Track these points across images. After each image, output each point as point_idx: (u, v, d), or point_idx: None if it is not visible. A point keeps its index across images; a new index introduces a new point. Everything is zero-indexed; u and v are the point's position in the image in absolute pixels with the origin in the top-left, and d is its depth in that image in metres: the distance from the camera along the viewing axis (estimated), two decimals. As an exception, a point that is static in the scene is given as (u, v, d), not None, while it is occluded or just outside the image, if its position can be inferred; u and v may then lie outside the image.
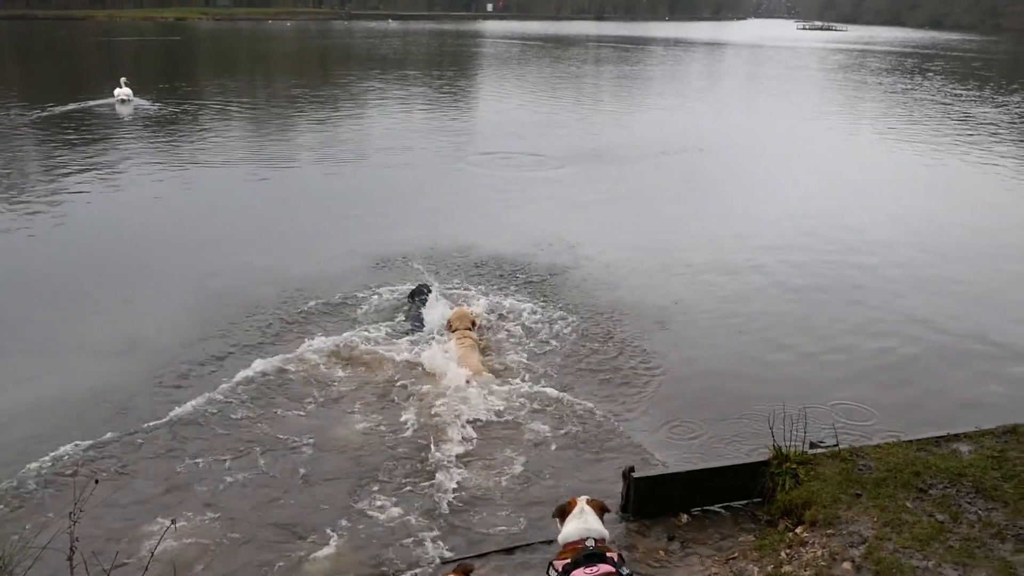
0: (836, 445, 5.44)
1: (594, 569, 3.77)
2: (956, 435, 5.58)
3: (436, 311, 8.13)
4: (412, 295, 8.59)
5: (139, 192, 13.64)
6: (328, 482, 5.51)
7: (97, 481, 4.54)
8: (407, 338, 7.77)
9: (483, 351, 7.52)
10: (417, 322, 8.07)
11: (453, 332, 7.62)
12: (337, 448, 5.91)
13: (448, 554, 4.78)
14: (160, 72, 37.67)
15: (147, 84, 28.00)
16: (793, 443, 5.27)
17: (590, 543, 3.90)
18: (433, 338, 7.75)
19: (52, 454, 5.62)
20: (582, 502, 4.13)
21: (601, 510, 4.16)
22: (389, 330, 7.94)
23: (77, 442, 5.76)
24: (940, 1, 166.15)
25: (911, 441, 5.47)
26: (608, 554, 3.89)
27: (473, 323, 7.79)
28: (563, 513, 4.15)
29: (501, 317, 8.29)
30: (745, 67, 51.72)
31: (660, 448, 6.02)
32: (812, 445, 5.44)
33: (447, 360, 7.13)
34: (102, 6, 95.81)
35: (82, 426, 6.03)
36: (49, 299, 8.77)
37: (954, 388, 7.20)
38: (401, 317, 8.28)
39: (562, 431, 6.16)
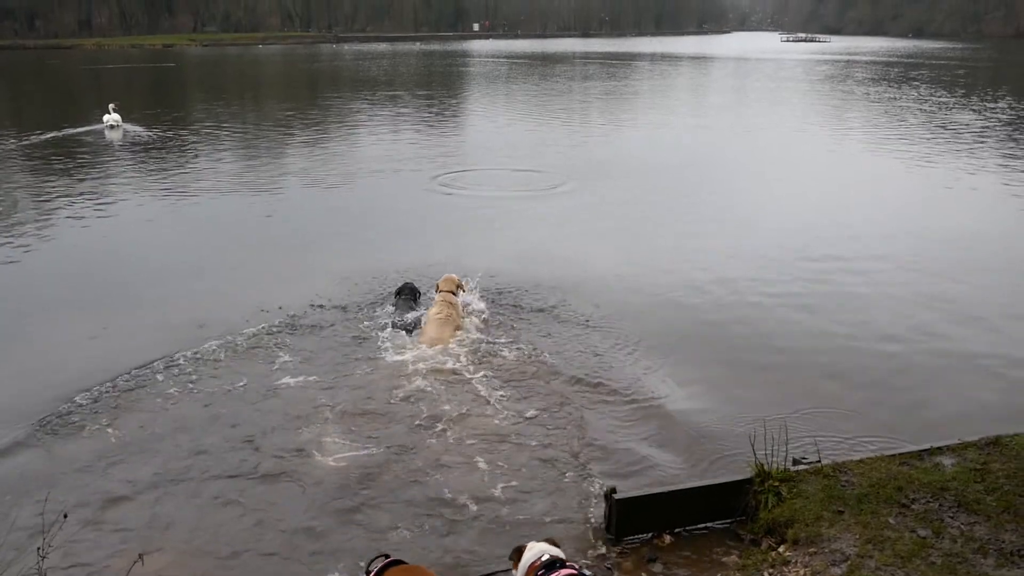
0: (819, 461, 5.42)
1: (556, 574, 3.90)
2: (939, 448, 5.56)
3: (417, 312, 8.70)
4: (398, 292, 9.06)
5: (126, 217, 13.66)
6: (305, 510, 5.47)
7: (66, 516, 4.48)
8: (389, 331, 8.23)
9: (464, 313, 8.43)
10: (400, 318, 8.52)
11: (439, 293, 8.40)
12: (311, 469, 5.87)
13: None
14: (149, 98, 37.86)
15: (136, 110, 28.18)
16: (775, 460, 5.25)
17: (546, 558, 4.01)
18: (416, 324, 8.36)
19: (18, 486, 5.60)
20: (534, 543, 4.18)
21: (554, 546, 4.16)
22: (370, 323, 8.49)
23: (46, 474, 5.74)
24: (921, 10, 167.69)
25: (894, 455, 5.45)
26: (568, 563, 4.00)
27: (459, 286, 8.53)
28: (518, 553, 4.19)
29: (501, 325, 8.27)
30: (731, 80, 52.04)
31: (643, 465, 5.98)
32: (795, 462, 5.42)
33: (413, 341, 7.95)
34: (90, 35, 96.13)
35: (49, 459, 5.99)
36: (27, 322, 8.73)
37: (936, 399, 7.15)
38: (388, 310, 8.82)
39: (544, 446, 6.14)
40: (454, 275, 8.83)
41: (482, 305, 8.97)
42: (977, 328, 8.78)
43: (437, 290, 8.60)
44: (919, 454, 5.49)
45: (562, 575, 3.90)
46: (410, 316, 8.56)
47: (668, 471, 5.89)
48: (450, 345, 7.84)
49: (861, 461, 5.39)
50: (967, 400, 7.11)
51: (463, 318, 8.44)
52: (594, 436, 6.35)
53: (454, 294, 8.51)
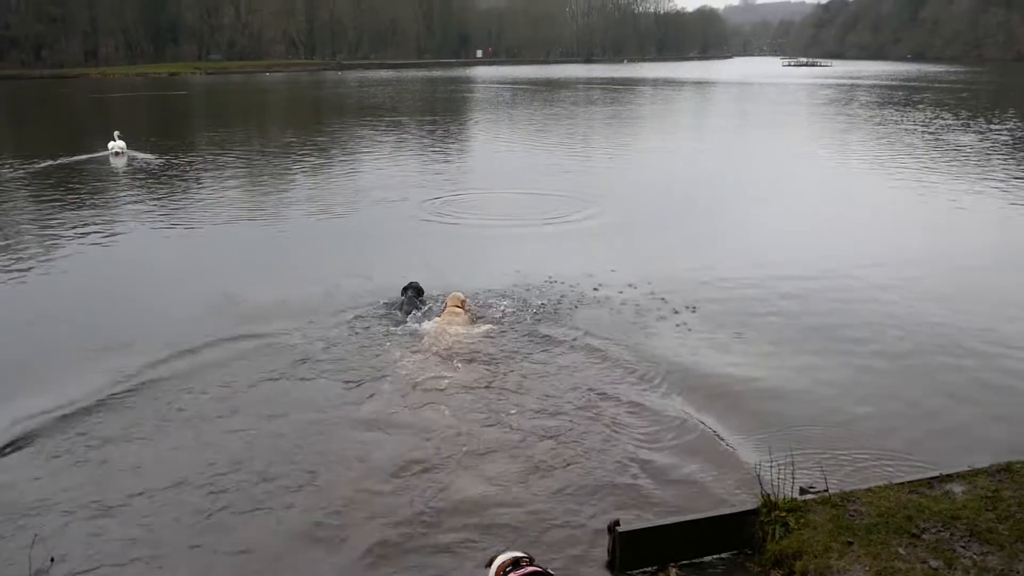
0: (826, 490, 5.32)
1: (521, 571, 4.27)
2: (949, 475, 5.46)
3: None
4: (404, 290, 9.95)
5: (130, 243, 13.69)
6: (307, 509, 5.38)
7: (52, 559, 4.40)
8: (400, 327, 9.14)
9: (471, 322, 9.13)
10: (408, 314, 9.46)
11: (445, 309, 9.29)
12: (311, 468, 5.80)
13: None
14: (154, 125, 38.12)
15: (141, 137, 28.38)
16: (782, 489, 5.16)
17: (511, 556, 4.44)
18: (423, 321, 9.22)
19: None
20: (508, 555, 4.49)
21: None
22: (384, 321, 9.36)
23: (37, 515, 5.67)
24: (922, 34, 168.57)
25: (903, 483, 5.36)
26: (535, 563, 4.38)
27: (463, 303, 9.36)
28: (491, 560, 4.52)
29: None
30: (735, 104, 52.23)
31: (646, 495, 5.88)
32: (802, 491, 5.32)
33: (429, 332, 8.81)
34: (96, 64, 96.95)
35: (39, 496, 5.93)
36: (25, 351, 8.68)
37: (946, 424, 7.03)
38: (395, 309, 9.68)
39: (546, 471, 6.05)
40: (459, 293, 9.60)
41: (486, 327, 9.14)
42: (988, 352, 8.66)
43: (444, 307, 9.36)
44: (929, 482, 5.39)
45: (527, 571, 4.27)
46: (421, 321, 9.32)
47: (673, 502, 5.78)
48: (461, 335, 8.68)
49: (870, 490, 5.29)
50: (978, 426, 7.00)
51: (468, 323, 9.12)
52: (597, 465, 6.26)
53: (459, 308, 9.26)
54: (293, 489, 5.97)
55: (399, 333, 9.06)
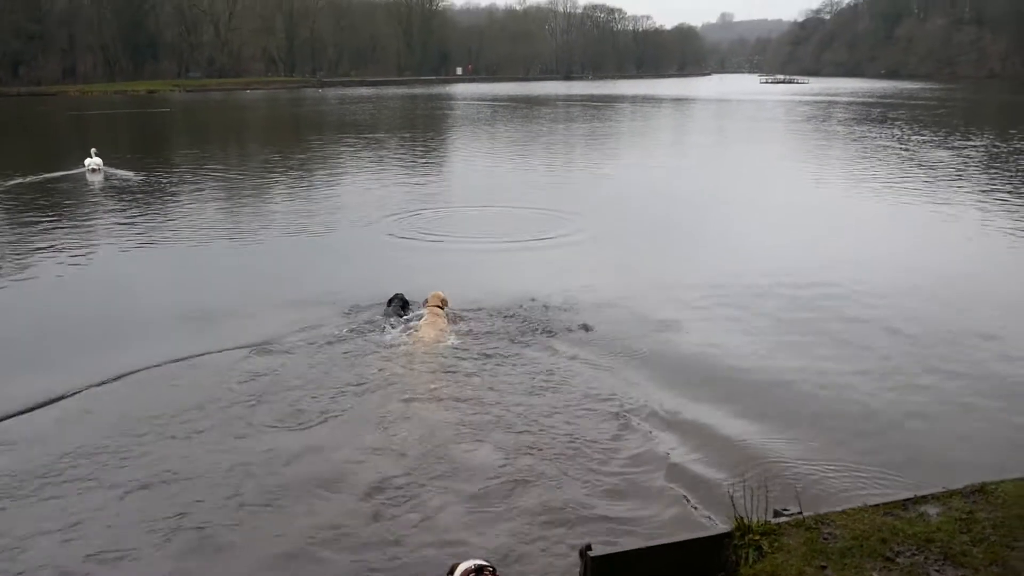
0: (800, 512, 5.26)
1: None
2: (924, 496, 5.42)
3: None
4: (389, 302, 10.26)
5: (102, 262, 13.52)
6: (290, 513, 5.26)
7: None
8: (383, 335, 9.39)
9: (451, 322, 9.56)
10: (391, 325, 9.68)
11: (426, 307, 9.70)
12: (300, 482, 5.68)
13: None
14: (134, 143, 37.98)
15: (121, 154, 28.27)
16: (756, 512, 5.09)
17: (474, 564, 4.44)
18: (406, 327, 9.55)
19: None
20: (470, 563, 4.49)
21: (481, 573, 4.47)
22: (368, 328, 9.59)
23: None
24: (897, 52, 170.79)
25: (877, 505, 5.30)
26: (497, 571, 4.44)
27: (444, 302, 9.77)
28: (452, 570, 4.51)
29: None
30: (715, 120, 52.61)
31: (619, 517, 5.80)
32: (776, 513, 5.26)
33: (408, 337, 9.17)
34: (74, 81, 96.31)
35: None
36: None
37: (920, 444, 7.01)
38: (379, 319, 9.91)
39: (517, 486, 5.97)
40: (440, 291, 9.99)
41: (456, 338, 9.34)
42: (966, 370, 8.65)
43: (425, 304, 9.80)
44: (903, 503, 5.34)
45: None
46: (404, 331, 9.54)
47: (646, 524, 5.71)
48: (439, 346, 8.95)
49: (844, 512, 5.23)
50: (952, 445, 6.98)
51: (448, 329, 9.45)
52: (569, 487, 6.17)
53: (440, 307, 9.67)
54: (258, 513, 5.86)
55: (380, 344, 9.16)
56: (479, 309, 10.38)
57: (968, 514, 5.15)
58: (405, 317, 9.93)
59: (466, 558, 4.99)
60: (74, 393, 7.89)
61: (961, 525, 5.03)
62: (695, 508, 5.90)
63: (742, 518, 5.05)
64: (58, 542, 5.54)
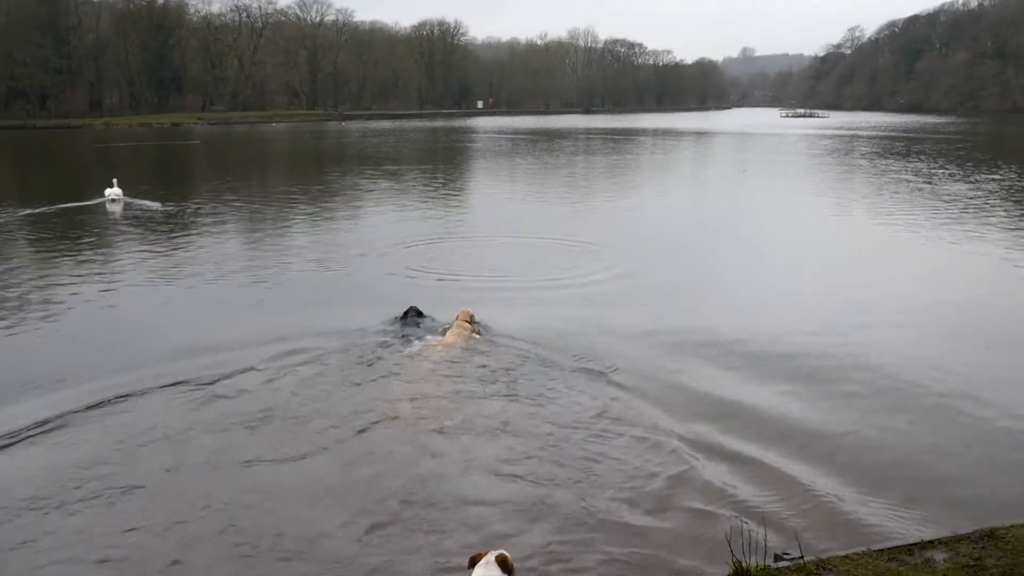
0: (801, 557, 5.10)
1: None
2: (931, 541, 5.25)
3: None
4: (405, 314, 11.16)
5: (117, 293, 13.54)
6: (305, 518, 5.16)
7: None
8: (404, 343, 10.31)
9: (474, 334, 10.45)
10: (409, 334, 10.61)
11: (456, 321, 10.58)
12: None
13: None
14: (155, 174, 38.49)
15: (140, 186, 28.65)
16: (755, 555, 4.93)
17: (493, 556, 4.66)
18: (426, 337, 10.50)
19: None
20: (491, 555, 4.70)
21: (505, 564, 4.67)
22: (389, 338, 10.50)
23: None
24: (918, 86, 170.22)
25: (882, 550, 5.14)
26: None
27: (471, 318, 10.67)
28: (473, 562, 4.73)
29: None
30: (736, 154, 52.42)
31: (608, 558, 5.63)
32: (776, 558, 5.10)
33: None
34: (100, 115, 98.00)
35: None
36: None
37: (929, 486, 6.74)
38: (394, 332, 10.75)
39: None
40: (469, 309, 10.95)
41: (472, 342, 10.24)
42: (975, 410, 8.42)
43: (456, 319, 10.68)
44: (909, 548, 5.17)
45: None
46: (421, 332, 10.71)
47: (640, 566, 5.53)
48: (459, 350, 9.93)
49: (847, 557, 5.07)
50: (962, 487, 6.73)
51: (473, 337, 10.42)
52: (563, 523, 6.03)
53: (469, 323, 10.60)
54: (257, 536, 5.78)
55: (403, 351, 10.07)
56: (500, 335, 10.69)
57: (976, 561, 4.98)
58: (424, 328, 10.84)
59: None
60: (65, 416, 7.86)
61: (969, 572, 4.86)
62: (692, 550, 5.70)
63: (740, 562, 4.90)
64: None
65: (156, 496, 6.53)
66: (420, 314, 11.23)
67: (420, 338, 10.48)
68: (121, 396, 8.51)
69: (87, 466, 7.01)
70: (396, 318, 11.19)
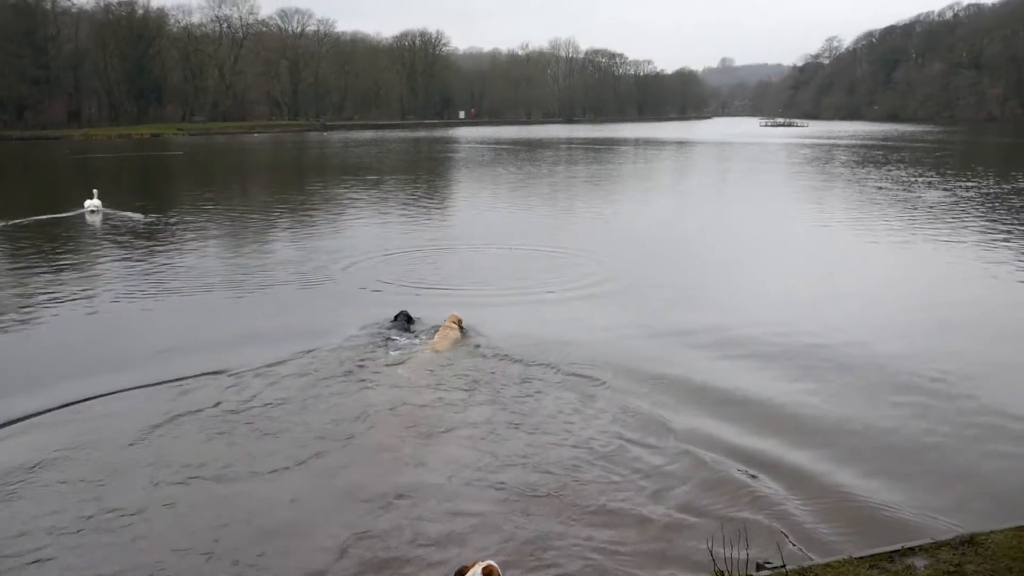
0: (783, 566, 5.09)
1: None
2: (911, 548, 5.26)
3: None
4: (396, 318, 11.45)
5: (95, 301, 13.40)
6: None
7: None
8: (392, 346, 10.53)
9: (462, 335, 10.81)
10: (398, 337, 10.86)
11: (445, 323, 10.89)
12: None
13: None
14: (133, 185, 38.26)
15: (120, 196, 28.45)
16: (736, 565, 4.93)
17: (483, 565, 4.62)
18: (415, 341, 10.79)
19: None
20: (478, 567, 4.65)
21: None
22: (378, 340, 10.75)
23: None
24: (896, 96, 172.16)
25: (863, 557, 5.15)
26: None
27: (459, 321, 11.00)
28: (460, 574, 4.69)
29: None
30: (718, 163, 52.75)
31: (591, 567, 5.61)
32: (758, 567, 5.10)
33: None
34: (78, 125, 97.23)
35: None
36: None
37: (909, 492, 6.74)
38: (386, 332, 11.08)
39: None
40: (456, 313, 11.23)
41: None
42: (956, 415, 8.46)
43: (445, 322, 10.94)
44: (890, 555, 5.18)
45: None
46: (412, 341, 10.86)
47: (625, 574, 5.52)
48: (447, 353, 10.20)
49: (828, 565, 5.08)
50: (942, 494, 6.75)
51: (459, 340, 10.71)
52: (542, 535, 6.00)
53: (457, 325, 10.90)
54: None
55: (393, 351, 10.38)
56: (485, 341, 10.79)
57: (956, 567, 5.00)
58: (414, 332, 11.09)
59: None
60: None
61: (949, 578, 4.87)
62: (673, 560, 5.69)
63: (722, 572, 4.89)
64: None
65: (129, 507, 6.43)
66: (410, 319, 11.48)
67: (410, 341, 10.73)
68: (85, 399, 8.60)
69: (50, 471, 6.91)
70: (387, 322, 11.45)
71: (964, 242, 18.98)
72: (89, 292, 14.14)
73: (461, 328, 10.98)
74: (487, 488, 6.72)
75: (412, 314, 11.66)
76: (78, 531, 6.11)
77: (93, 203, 24.43)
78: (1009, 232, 20.39)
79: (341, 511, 6.41)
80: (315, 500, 6.62)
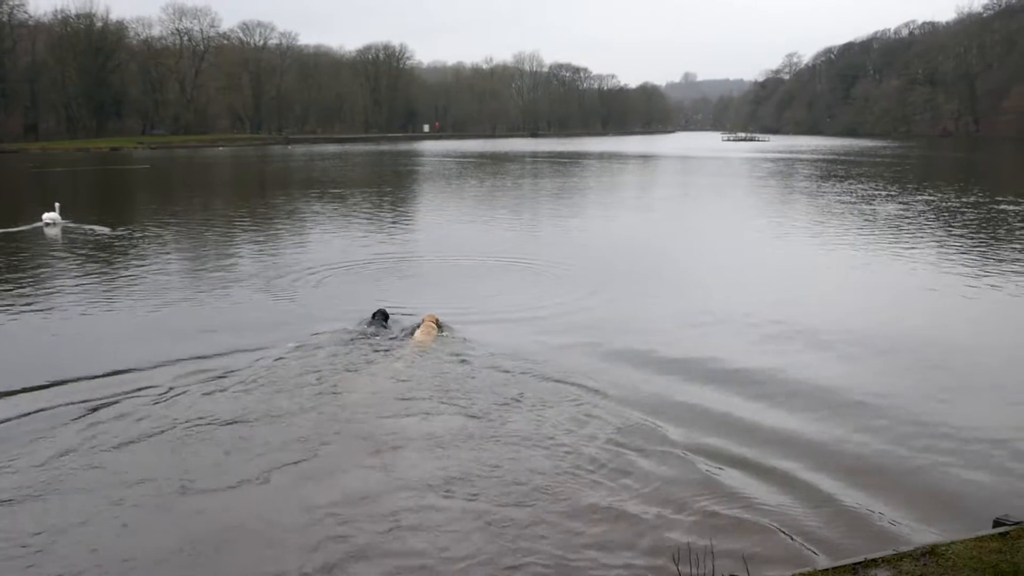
0: (748, 579, 5.11)
1: None
2: (873, 559, 5.29)
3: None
4: (373, 316, 11.74)
5: (51, 314, 13.13)
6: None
7: None
8: (370, 344, 10.77)
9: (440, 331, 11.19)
10: (376, 335, 11.14)
11: (424, 323, 11.19)
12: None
13: None
14: (93, 198, 37.70)
15: (80, 210, 28.05)
16: (702, 579, 4.93)
17: None
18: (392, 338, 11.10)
19: None
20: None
21: None
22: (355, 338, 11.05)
23: None
24: (854, 111, 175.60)
25: (825, 570, 5.17)
26: None
27: (436, 321, 11.30)
28: None
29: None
30: (680, 176, 53.27)
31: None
32: (723, 580, 5.10)
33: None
34: (35, 138, 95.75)
35: None
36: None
37: (870, 504, 6.82)
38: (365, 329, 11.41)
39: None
40: (434, 314, 11.57)
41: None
42: (919, 428, 8.56)
43: (422, 322, 11.23)
44: (853, 567, 5.21)
45: None
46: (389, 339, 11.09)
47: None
48: (429, 350, 10.51)
49: (792, 578, 5.10)
50: (904, 507, 6.81)
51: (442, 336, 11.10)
52: (521, 550, 5.96)
53: (435, 324, 11.19)
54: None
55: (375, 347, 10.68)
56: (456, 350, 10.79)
57: (918, 578, 5.04)
58: (391, 332, 11.30)
59: None
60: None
61: (911, 590, 4.91)
62: (638, 570, 5.69)
63: (687, 586, 4.89)
64: None
65: (88, 520, 6.29)
66: (386, 316, 11.79)
67: (388, 339, 11.00)
68: (40, 409, 8.47)
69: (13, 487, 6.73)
70: (363, 322, 11.75)
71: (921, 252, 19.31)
72: (41, 307, 13.84)
73: (439, 327, 11.24)
74: (457, 500, 6.63)
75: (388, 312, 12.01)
76: (24, 547, 5.95)
77: (50, 216, 24.12)
78: (960, 244, 20.81)
79: (310, 521, 6.32)
80: (282, 511, 6.50)
